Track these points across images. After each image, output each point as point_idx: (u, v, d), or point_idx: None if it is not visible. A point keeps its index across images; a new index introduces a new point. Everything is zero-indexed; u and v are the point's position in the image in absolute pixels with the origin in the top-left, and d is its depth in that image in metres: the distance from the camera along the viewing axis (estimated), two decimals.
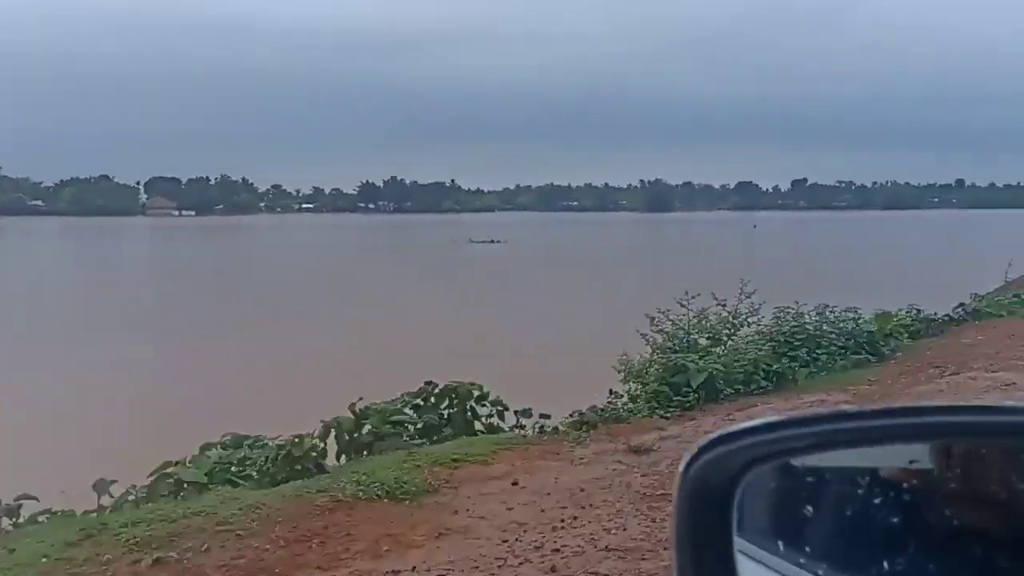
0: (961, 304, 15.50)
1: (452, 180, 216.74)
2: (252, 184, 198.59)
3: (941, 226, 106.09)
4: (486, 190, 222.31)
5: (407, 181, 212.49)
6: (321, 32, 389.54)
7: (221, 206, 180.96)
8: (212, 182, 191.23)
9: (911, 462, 0.81)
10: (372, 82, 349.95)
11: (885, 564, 0.81)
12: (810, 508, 0.85)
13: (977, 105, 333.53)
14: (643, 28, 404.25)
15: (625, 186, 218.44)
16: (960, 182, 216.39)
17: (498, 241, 77.84)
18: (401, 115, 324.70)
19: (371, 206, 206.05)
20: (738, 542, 0.84)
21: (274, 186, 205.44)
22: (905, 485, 0.81)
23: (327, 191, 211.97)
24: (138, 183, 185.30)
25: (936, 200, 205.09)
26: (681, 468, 0.82)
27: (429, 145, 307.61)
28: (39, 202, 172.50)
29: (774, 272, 38.38)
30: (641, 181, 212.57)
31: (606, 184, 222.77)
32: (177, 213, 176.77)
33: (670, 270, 39.49)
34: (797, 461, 0.84)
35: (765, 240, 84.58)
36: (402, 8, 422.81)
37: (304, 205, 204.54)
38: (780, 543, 0.86)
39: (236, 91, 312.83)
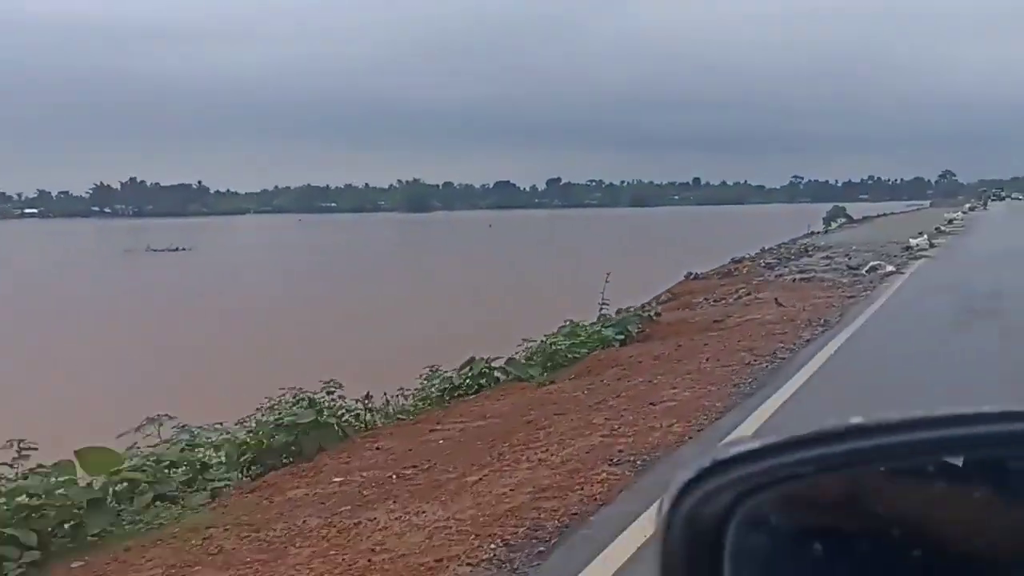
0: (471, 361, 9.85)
1: (199, 182, 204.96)
2: None
3: (664, 221, 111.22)
4: (242, 192, 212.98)
5: (148, 183, 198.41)
6: (47, 22, 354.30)
7: None
8: None
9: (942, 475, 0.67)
10: (109, 77, 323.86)
11: None
12: (818, 546, 0.70)
13: (716, 110, 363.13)
14: (399, 30, 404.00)
15: (386, 187, 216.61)
16: (696, 180, 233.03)
17: (182, 249, 72.13)
18: (143, 113, 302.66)
19: (107, 210, 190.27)
20: None
21: None
22: (934, 509, 0.68)
23: (54, 195, 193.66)
24: None
25: (676, 198, 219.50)
26: (666, 506, 0.70)
27: (175, 145, 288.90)
28: None
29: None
30: (399, 181, 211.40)
31: (367, 185, 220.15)
32: None
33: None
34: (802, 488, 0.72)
35: (468, 242, 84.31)
36: None
37: (27, 210, 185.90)
38: None
39: None
